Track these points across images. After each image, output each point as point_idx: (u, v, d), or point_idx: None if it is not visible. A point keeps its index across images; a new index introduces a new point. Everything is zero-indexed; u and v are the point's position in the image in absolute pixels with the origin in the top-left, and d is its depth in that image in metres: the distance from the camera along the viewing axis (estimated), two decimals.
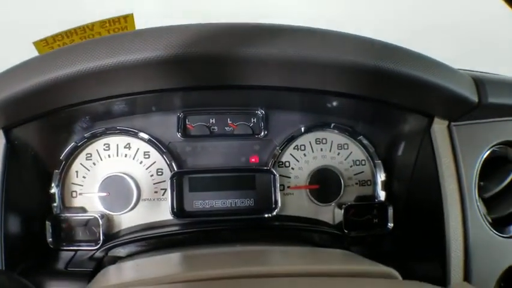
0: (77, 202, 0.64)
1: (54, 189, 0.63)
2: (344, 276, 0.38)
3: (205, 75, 0.53)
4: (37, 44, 0.71)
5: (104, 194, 0.63)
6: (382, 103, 0.59)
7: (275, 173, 0.63)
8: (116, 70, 0.47)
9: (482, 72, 0.62)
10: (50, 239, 0.61)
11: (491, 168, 0.65)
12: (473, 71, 0.62)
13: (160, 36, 0.46)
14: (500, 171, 0.65)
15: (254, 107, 0.65)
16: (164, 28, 0.47)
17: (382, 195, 0.67)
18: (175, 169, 0.62)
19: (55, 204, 0.63)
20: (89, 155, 0.65)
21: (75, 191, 0.65)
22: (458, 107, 0.57)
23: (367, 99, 0.59)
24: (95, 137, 0.64)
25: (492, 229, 0.60)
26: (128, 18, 0.81)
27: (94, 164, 0.65)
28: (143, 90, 0.55)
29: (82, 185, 0.64)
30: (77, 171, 0.65)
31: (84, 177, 0.64)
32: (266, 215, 0.62)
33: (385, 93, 0.57)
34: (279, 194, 0.62)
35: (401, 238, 0.66)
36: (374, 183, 0.68)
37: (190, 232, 0.59)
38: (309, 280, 0.36)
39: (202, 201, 0.63)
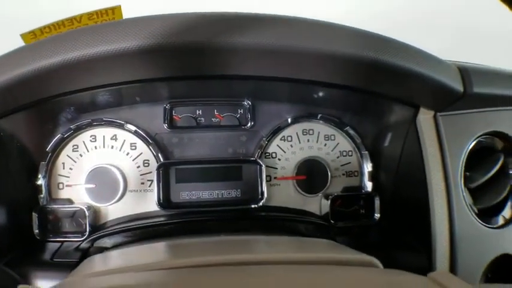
0: (64, 194, 0.64)
1: (40, 181, 0.63)
2: (325, 264, 0.39)
3: (187, 65, 0.53)
4: (24, 36, 0.70)
5: (91, 185, 0.63)
6: (368, 93, 0.59)
7: (261, 164, 0.63)
8: (96, 60, 0.47)
9: (468, 62, 0.62)
10: (37, 231, 0.61)
11: (477, 159, 0.65)
12: (459, 61, 0.62)
13: (140, 26, 0.46)
14: (487, 161, 0.65)
15: (241, 98, 0.65)
16: (144, 18, 0.46)
17: (369, 186, 0.68)
18: (162, 160, 0.62)
19: (42, 196, 0.63)
20: (76, 147, 0.65)
21: (62, 183, 0.64)
22: (444, 97, 0.57)
23: (352, 90, 0.59)
24: (81, 128, 0.64)
25: (478, 219, 0.60)
26: (115, 10, 0.80)
27: (81, 155, 0.64)
28: (126, 80, 0.54)
29: (69, 177, 0.64)
30: (63, 163, 0.65)
31: (70, 168, 0.64)
32: (252, 206, 0.62)
33: (370, 83, 0.57)
34: (265, 184, 0.62)
35: (388, 228, 0.66)
36: (361, 174, 0.68)
37: (176, 223, 0.59)
38: (289, 267, 0.37)
39: (188, 192, 0.63)
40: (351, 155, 0.69)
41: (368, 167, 0.68)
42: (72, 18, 0.80)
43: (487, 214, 0.63)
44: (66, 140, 0.64)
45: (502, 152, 0.66)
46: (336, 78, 0.56)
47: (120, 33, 0.45)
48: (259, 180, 0.63)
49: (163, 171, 0.62)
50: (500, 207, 0.65)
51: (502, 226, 0.63)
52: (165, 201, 0.61)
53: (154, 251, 0.49)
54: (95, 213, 0.63)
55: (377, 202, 0.66)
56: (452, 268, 0.59)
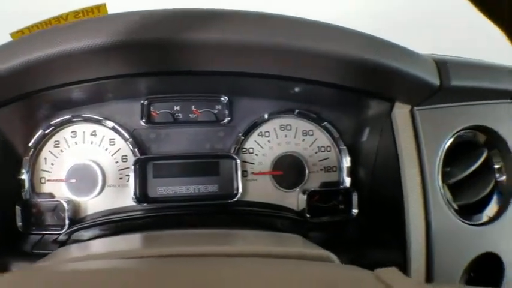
0: (46, 188, 0.66)
1: (24, 176, 0.64)
2: (277, 258, 0.39)
3: (153, 61, 0.54)
4: (13, 35, 0.72)
5: (71, 180, 0.64)
6: (341, 88, 0.59)
7: (237, 159, 0.63)
8: (66, 57, 0.48)
9: (446, 55, 0.61)
10: (20, 223, 0.62)
11: (460, 154, 0.64)
12: (437, 54, 0.61)
13: (103, 24, 0.47)
14: (468, 156, 0.64)
15: (218, 93, 0.66)
16: (108, 16, 0.47)
17: (347, 181, 0.68)
18: (139, 155, 0.63)
19: (25, 190, 0.64)
20: (57, 143, 0.66)
21: (44, 177, 0.66)
22: (419, 90, 0.57)
23: (324, 85, 0.59)
24: (62, 124, 0.65)
25: (458, 216, 0.60)
26: (100, 8, 0.81)
27: (62, 151, 0.66)
28: (99, 77, 0.55)
29: (50, 172, 0.66)
30: (45, 158, 0.66)
31: (52, 164, 0.66)
32: (228, 201, 0.63)
33: (341, 78, 0.57)
34: (240, 180, 0.63)
35: (366, 224, 0.66)
36: (339, 169, 0.68)
37: (151, 217, 0.60)
38: (240, 259, 0.37)
39: (165, 187, 0.64)
40: (329, 150, 0.69)
41: (346, 162, 0.67)
42: (59, 17, 0.82)
43: (470, 211, 0.63)
44: (47, 136, 0.65)
45: (485, 146, 0.65)
46: (306, 74, 0.56)
47: (84, 31, 0.46)
48: (234, 175, 0.63)
49: (140, 166, 0.63)
50: (484, 203, 0.64)
51: (486, 223, 0.62)
52: (142, 196, 0.62)
53: (119, 242, 0.50)
54: (75, 207, 0.64)
55: (355, 198, 0.66)
56: (429, 266, 0.59)
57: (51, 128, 0.65)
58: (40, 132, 0.65)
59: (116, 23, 0.45)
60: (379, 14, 1.19)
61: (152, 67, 0.56)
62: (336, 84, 0.58)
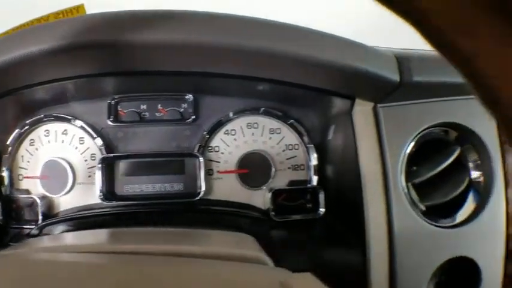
0: (23, 184, 0.69)
1: (4, 173, 0.67)
2: (206, 258, 0.40)
3: (113, 61, 0.55)
4: None
5: (44, 177, 0.67)
6: (301, 87, 0.58)
7: (200, 157, 0.64)
8: (28, 61, 0.50)
9: (409, 49, 0.58)
10: (1, 217, 0.66)
11: (431, 152, 0.62)
12: (400, 48, 0.59)
13: (55, 28, 0.48)
14: (439, 154, 0.62)
15: (183, 92, 0.66)
16: (60, 21, 0.49)
17: (314, 180, 0.67)
18: (106, 154, 0.64)
19: (5, 186, 0.67)
20: (32, 141, 0.69)
21: (21, 174, 0.69)
22: (379, 87, 0.55)
23: (285, 84, 0.58)
24: (35, 123, 0.68)
25: (424, 218, 0.58)
26: (79, 9, 0.83)
27: (36, 149, 0.68)
28: (62, 77, 0.57)
29: (27, 169, 0.69)
30: (22, 156, 0.69)
31: (28, 161, 0.69)
32: (192, 199, 0.63)
33: (299, 77, 0.56)
34: (203, 178, 0.63)
35: (333, 224, 0.65)
36: (307, 167, 0.68)
37: (116, 214, 0.62)
38: (160, 258, 0.38)
39: (132, 186, 0.65)
40: (297, 149, 0.68)
41: (313, 161, 0.67)
42: (40, 18, 0.84)
43: (444, 212, 0.61)
44: (23, 134, 0.68)
45: (458, 144, 0.62)
46: (266, 73, 0.56)
47: (35, 36, 0.48)
48: (198, 174, 0.64)
49: (107, 164, 0.64)
50: (456, 204, 0.61)
51: (459, 225, 0.59)
52: (109, 194, 0.64)
53: (76, 236, 0.52)
54: (48, 203, 0.67)
55: (321, 196, 0.65)
56: (392, 268, 0.57)
57: (27, 127, 0.68)
58: (17, 131, 0.68)
59: (65, 26, 0.47)
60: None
61: (111, 67, 0.57)
62: (292, 83, 0.58)
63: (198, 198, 0.63)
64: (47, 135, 0.68)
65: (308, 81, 0.56)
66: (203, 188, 0.63)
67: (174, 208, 0.63)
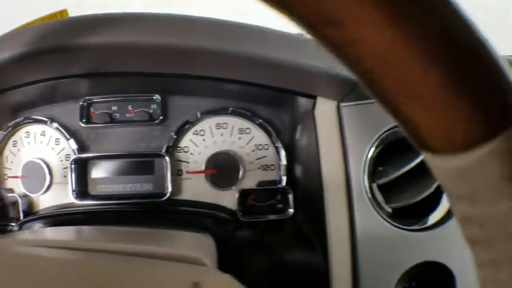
0: (8, 184, 0.72)
1: None
2: (149, 257, 0.41)
3: (79, 64, 0.57)
4: None
5: (25, 177, 0.70)
6: (262, 87, 0.57)
7: (166, 157, 0.64)
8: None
9: None
10: None
11: (402, 152, 0.59)
12: None
13: (16, 36, 0.50)
14: (405, 155, 0.59)
15: (152, 93, 0.66)
16: (23, 29, 0.51)
17: (284, 180, 0.66)
18: (78, 155, 0.66)
19: None
20: (15, 142, 0.72)
21: (6, 174, 0.72)
22: (339, 85, 0.53)
23: (250, 85, 0.58)
24: (17, 126, 0.71)
25: (390, 220, 0.56)
26: (63, 13, 0.86)
27: (19, 150, 0.71)
28: (29, 81, 0.59)
29: (11, 169, 0.72)
30: (7, 157, 0.72)
31: (12, 162, 0.72)
32: (160, 199, 0.64)
33: (259, 77, 0.55)
34: (169, 178, 0.64)
35: (300, 225, 0.64)
36: (277, 168, 0.67)
37: (88, 213, 0.64)
38: (102, 255, 0.40)
39: (104, 185, 0.67)
40: (267, 149, 0.67)
41: (283, 161, 0.65)
42: (26, 25, 0.87)
43: (413, 215, 0.58)
44: (7, 136, 0.71)
45: None
46: (222, 73, 0.56)
47: (4, 42, 0.51)
48: (165, 174, 0.64)
49: (79, 165, 0.66)
50: (429, 206, 0.59)
51: (428, 228, 0.57)
52: (81, 193, 0.66)
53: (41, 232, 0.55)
54: (29, 202, 0.70)
55: (291, 197, 0.64)
56: (356, 272, 0.56)
57: (10, 129, 0.71)
58: (1, 132, 0.71)
59: (24, 35, 0.48)
60: None
61: (77, 70, 0.59)
62: (257, 83, 0.57)
63: (165, 198, 0.63)
64: (27, 137, 0.71)
65: (270, 82, 0.55)
66: (170, 189, 0.64)
67: (142, 208, 0.64)
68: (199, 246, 0.50)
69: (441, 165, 0.22)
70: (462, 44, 0.19)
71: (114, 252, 0.43)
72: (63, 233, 0.58)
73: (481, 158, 0.21)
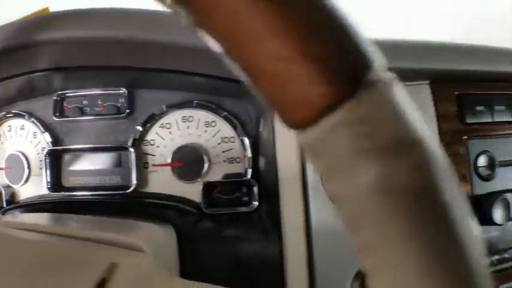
0: None
1: None
2: (98, 242, 0.44)
3: (47, 59, 0.60)
4: None
5: (8, 168, 0.73)
6: (226, 80, 0.56)
7: (130, 150, 0.65)
8: None
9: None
10: None
11: None
12: None
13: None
14: None
15: (118, 87, 0.67)
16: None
17: (249, 172, 0.65)
18: (51, 147, 0.69)
19: None
20: None
21: None
22: None
23: (210, 77, 0.57)
24: (0, 119, 0.74)
25: None
26: (44, 12, 0.88)
27: (2, 143, 0.75)
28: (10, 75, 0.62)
29: None
30: None
31: None
32: (126, 191, 0.65)
33: (218, 69, 0.54)
34: (134, 171, 0.65)
35: (264, 218, 0.63)
36: (243, 160, 0.66)
37: (61, 203, 0.66)
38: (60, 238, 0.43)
39: (76, 178, 0.69)
40: (233, 141, 0.66)
41: (248, 153, 0.64)
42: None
43: None
44: None
45: None
46: (182, 66, 0.56)
47: None
48: (130, 166, 0.65)
49: (53, 157, 0.68)
50: None
51: None
52: (55, 185, 0.68)
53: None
54: (11, 192, 0.73)
55: (255, 189, 0.63)
56: (311, 266, 0.55)
57: None
58: None
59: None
60: None
61: (46, 65, 0.61)
62: (217, 76, 0.57)
63: (129, 190, 0.65)
64: (10, 131, 0.74)
65: (230, 74, 0.55)
66: (134, 181, 0.65)
67: (110, 199, 0.66)
68: (143, 234, 0.51)
69: (301, 141, 0.22)
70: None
71: (66, 236, 0.47)
72: (33, 218, 0.61)
73: (326, 131, 0.20)
